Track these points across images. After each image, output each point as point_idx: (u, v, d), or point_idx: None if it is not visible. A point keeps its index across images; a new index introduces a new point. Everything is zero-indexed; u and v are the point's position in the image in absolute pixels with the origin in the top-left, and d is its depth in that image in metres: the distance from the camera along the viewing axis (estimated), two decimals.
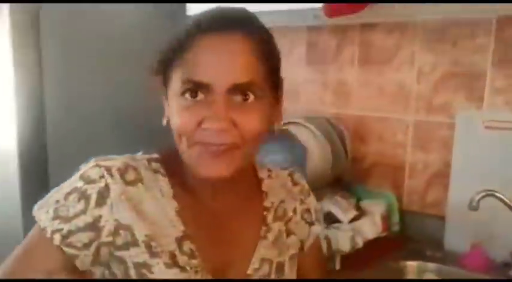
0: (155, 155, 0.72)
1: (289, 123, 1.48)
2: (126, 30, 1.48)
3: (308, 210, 0.83)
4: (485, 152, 1.31)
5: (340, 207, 1.37)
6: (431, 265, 1.31)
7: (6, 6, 1.26)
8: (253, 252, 0.74)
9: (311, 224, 0.83)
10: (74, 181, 0.67)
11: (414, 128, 1.46)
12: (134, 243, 0.66)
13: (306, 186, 0.85)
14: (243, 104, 0.63)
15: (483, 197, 1.17)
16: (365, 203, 1.45)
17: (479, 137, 1.32)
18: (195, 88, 0.63)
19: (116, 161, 0.68)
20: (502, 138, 1.29)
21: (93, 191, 0.65)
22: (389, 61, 1.48)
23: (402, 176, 1.50)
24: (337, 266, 1.25)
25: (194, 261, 0.68)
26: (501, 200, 1.19)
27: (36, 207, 0.68)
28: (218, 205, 0.73)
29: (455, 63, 1.37)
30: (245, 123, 0.63)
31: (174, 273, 0.67)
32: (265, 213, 0.77)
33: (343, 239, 1.25)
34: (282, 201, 0.80)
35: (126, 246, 0.66)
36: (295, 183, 0.83)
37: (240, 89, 0.63)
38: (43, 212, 0.66)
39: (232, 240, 0.74)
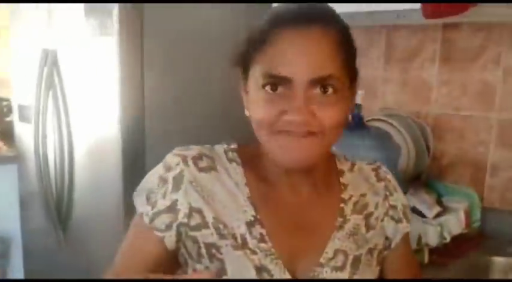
0: (233, 146, 0.76)
1: (372, 119, 1.52)
2: (218, 30, 1.56)
3: (394, 207, 0.81)
4: None
5: (424, 202, 1.40)
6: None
7: (115, 6, 1.35)
8: (327, 242, 0.74)
9: (398, 221, 0.81)
10: (159, 168, 0.73)
11: (498, 127, 1.48)
12: (205, 225, 0.70)
13: (393, 182, 0.83)
14: (322, 96, 0.65)
15: None
16: (446, 199, 1.48)
17: None
18: (275, 82, 0.64)
19: (193, 150, 0.73)
20: None
21: (170, 177, 0.71)
22: (474, 60, 1.50)
23: (483, 173, 1.52)
24: (426, 260, 1.29)
25: (264, 245, 0.70)
26: None
27: (134, 193, 0.75)
28: (292, 193, 0.74)
29: None
30: (324, 115, 0.65)
31: (241, 255, 0.69)
32: (342, 205, 0.77)
33: (432, 234, 1.29)
34: (363, 195, 0.79)
35: (198, 227, 0.71)
36: (379, 179, 0.82)
37: (319, 82, 0.64)
38: (138, 197, 0.73)
39: (306, 228, 0.74)
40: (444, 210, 1.43)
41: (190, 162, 0.72)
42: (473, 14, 1.34)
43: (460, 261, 1.31)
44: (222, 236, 0.70)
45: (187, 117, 1.51)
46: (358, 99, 1.23)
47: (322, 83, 0.64)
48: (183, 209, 0.70)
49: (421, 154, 1.48)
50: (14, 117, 1.90)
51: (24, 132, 1.82)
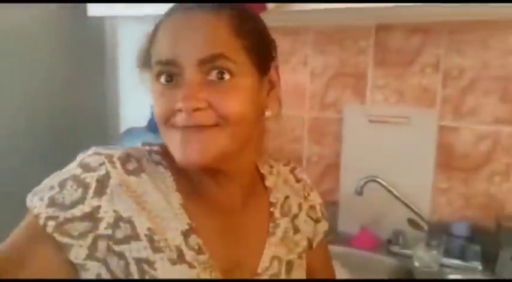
0: (156, 147, 0.68)
1: None
2: (28, 30, 1.44)
3: (313, 207, 0.81)
4: (369, 143, 1.48)
5: None
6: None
7: None
8: (262, 250, 0.71)
9: (317, 221, 0.81)
10: (72, 168, 0.61)
11: (309, 124, 1.60)
12: (135, 236, 0.60)
13: (308, 182, 0.83)
14: (219, 82, 0.59)
15: (366, 182, 1.32)
16: None
17: (364, 130, 1.49)
18: (166, 70, 0.60)
19: (117, 150, 0.64)
20: (383, 130, 1.46)
21: (92, 179, 0.60)
22: (285, 63, 1.60)
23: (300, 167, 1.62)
24: None
25: (202, 257, 0.64)
26: (382, 185, 1.35)
27: (30, 194, 0.61)
28: (223, 199, 0.68)
29: (342, 64, 1.52)
30: (221, 103, 0.58)
31: (179, 270, 0.62)
32: (271, 209, 0.75)
33: None
34: (287, 197, 0.78)
35: (126, 239, 0.60)
36: (297, 180, 0.81)
37: (210, 63, 0.58)
38: (37, 199, 0.60)
39: (241, 236, 0.70)
40: None
41: (117, 163, 0.62)
42: (280, 19, 1.42)
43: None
44: (156, 249, 0.61)
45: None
46: None
47: (214, 64, 0.58)
48: (107, 217, 0.59)
49: None
50: None
51: None
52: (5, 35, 1.43)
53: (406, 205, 1.38)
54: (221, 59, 0.58)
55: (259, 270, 0.70)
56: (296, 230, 0.77)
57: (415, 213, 1.38)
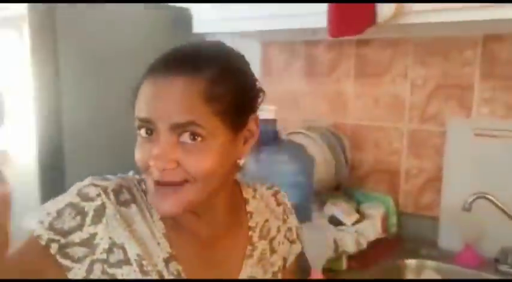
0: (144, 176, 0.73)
1: (292, 133, 1.57)
2: (135, 38, 1.55)
3: (290, 229, 0.86)
4: (475, 158, 1.43)
5: (343, 211, 1.46)
6: (429, 262, 1.42)
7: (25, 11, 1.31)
8: (239, 272, 0.77)
9: (292, 242, 0.86)
10: (70, 197, 0.68)
11: (408, 136, 1.58)
12: (127, 261, 0.68)
13: (289, 205, 0.88)
14: (191, 144, 0.63)
15: (475, 199, 1.28)
16: (365, 206, 1.55)
17: (469, 144, 1.44)
18: (143, 126, 0.65)
19: (111, 182, 0.70)
20: (490, 144, 1.41)
21: (90, 208, 0.67)
22: (384, 74, 1.59)
23: (398, 180, 1.61)
24: (344, 266, 1.35)
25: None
26: (492, 201, 1.30)
27: (27, 217, 0.70)
28: (203, 228, 0.74)
29: (445, 75, 1.49)
30: (190, 163, 0.64)
31: None
32: (250, 233, 0.80)
33: (349, 241, 1.35)
34: (267, 221, 0.83)
35: (119, 264, 0.68)
36: (278, 203, 0.86)
37: (180, 129, 0.63)
38: (36, 222, 0.67)
39: (219, 260, 0.76)
40: (362, 217, 1.51)
41: (111, 195, 0.69)
42: (382, 31, 1.43)
43: (376, 266, 1.38)
44: (145, 273, 0.68)
45: (106, 133, 1.49)
46: (272, 115, 1.27)
47: (183, 129, 0.63)
48: (102, 243, 0.67)
49: (339, 164, 1.55)
50: None
51: None
52: (116, 53, 1.53)
53: None
54: (192, 125, 0.63)
55: None
56: (273, 251, 0.82)
57: None
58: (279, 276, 0.83)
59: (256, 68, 2.05)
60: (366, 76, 1.64)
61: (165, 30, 1.67)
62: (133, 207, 0.70)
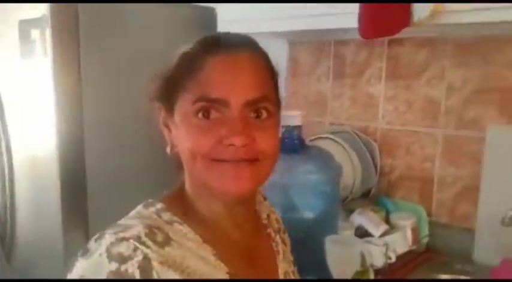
0: (159, 205, 0.67)
1: (318, 137, 1.51)
2: (158, 41, 1.52)
3: (277, 220, 0.86)
4: None
5: (371, 221, 1.39)
6: (462, 277, 1.33)
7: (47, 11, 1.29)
8: (277, 270, 0.76)
9: (284, 231, 0.87)
10: (101, 266, 0.57)
11: (443, 142, 1.48)
12: None
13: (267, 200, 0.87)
14: (257, 120, 0.64)
15: None
16: (394, 216, 1.47)
17: (510, 152, 1.34)
18: (209, 106, 0.62)
19: (138, 227, 0.61)
20: None
21: (133, 268, 0.57)
22: (419, 76, 1.50)
23: (431, 189, 1.52)
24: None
25: None
26: None
27: None
28: (239, 232, 0.71)
29: (485, 78, 1.38)
30: (263, 139, 0.63)
31: None
32: (268, 230, 0.80)
33: (377, 254, 1.27)
34: (268, 215, 0.82)
35: None
36: (264, 198, 0.85)
37: (255, 104, 0.63)
38: None
39: (259, 263, 0.74)
40: (392, 227, 1.43)
41: (148, 242, 0.59)
42: (415, 30, 1.34)
43: (406, 280, 1.31)
44: None
45: (126, 135, 1.46)
46: (298, 121, 1.21)
47: (257, 105, 0.63)
48: None
49: (367, 170, 1.47)
50: None
51: None
52: (141, 54, 1.50)
53: None
54: (265, 100, 0.64)
55: None
56: (284, 243, 0.83)
57: None
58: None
59: (282, 69, 1.98)
60: (399, 78, 1.55)
61: (189, 30, 1.62)
62: (174, 244, 0.62)
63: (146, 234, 0.60)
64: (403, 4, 1.05)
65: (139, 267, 0.57)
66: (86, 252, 0.59)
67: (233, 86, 0.62)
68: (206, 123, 0.63)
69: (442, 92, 1.46)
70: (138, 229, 0.60)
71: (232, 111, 0.62)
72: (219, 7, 1.58)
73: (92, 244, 0.60)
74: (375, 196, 1.58)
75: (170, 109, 0.67)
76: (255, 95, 0.63)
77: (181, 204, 0.68)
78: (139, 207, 0.68)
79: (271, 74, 0.67)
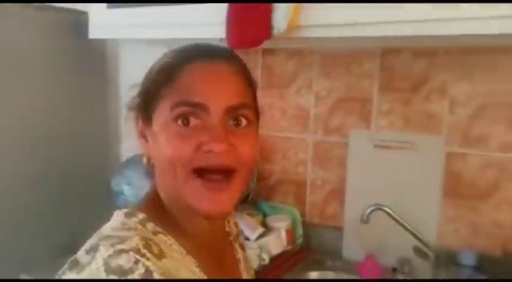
0: (140, 215, 0.65)
1: None
2: (28, 51, 1.44)
3: (236, 224, 0.86)
4: (375, 169, 1.46)
5: (248, 225, 1.43)
6: (330, 273, 1.43)
7: None
8: (242, 278, 0.77)
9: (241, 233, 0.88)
10: (103, 278, 0.55)
11: (314, 147, 1.58)
12: None
13: None
14: (237, 128, 0.63)
15: (372, 211, 1.30)
16: (271, 219, 1.53)
17: (369, 155, 1.47)
18: (189, 112, 0.62)
19: (133, 239, 0.59)
20: (388, 155, 1.44)
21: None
22: (289, 85, 1.59)
23: (304, 191, 1.61)
24: None
25: None
26: (387, 213, 1.33)
27: None
28: (214, 240, 0.71)
29: (348, 88, 1.51)
30: (242, 147, 0.62)
31: None
32: (231, 237, 0.80)
33: (251, 257, 1.32)
34: (228, 221, 0.81)
35: None
36: None
37: (235, 111, 0.63)
38: None
39: (229, 272, 0.75)
40: (268, 230, 1.48)
41: (147, 253, 0.58)
42: (284, 42, 1.41)
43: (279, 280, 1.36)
44: None
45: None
46: None
47: (237, 111, 0.63)
48: None
49: None
50: None
51: None
52: (4, 55, 1.42)
53: (412, 233, 1.36)
54: (245, 107, 0.64)
55: None
56: (242, 248, 0.83)
57: (421, 241, 1.36)
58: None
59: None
60: (273, 87, 1.62)
61: (58, 34, 1.56)
62: (167, 255, 0.61)
63: (144, 246, 0.58)
64: (264, 17, 1.11)
65: (141, 280, 0.55)
66: (75, 265, 0.57)
67: (213, 92, 0.62)
68: (185, 130, 0.62)
69: (311, 101, 1.56)
70: (136, 241, 0.58)
71: (212, 117, 0.61)
72: (92, 11, 1.53)
73: (82, 256, 0.57)
74: (255, 200, 1.63)
75: (147, 119, 0.66)
76: (236, 101, 0.63)
77: (160, 215, 0.66)
78: (120, 218, 0.64)
79: (249, 83, 0.67)
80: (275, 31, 1.12)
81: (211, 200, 0.62)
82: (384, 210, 1.33)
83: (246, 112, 0.64)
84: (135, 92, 0.69)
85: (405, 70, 1.43)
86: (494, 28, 0.97)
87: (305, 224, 1.59)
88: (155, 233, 0.64)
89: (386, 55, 1.45)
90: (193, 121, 0.62)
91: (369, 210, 1.31)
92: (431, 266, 1.34)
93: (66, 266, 0.58)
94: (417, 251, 1.36)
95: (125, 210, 0.66)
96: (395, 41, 1.31)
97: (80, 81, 1.67)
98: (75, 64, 1.64)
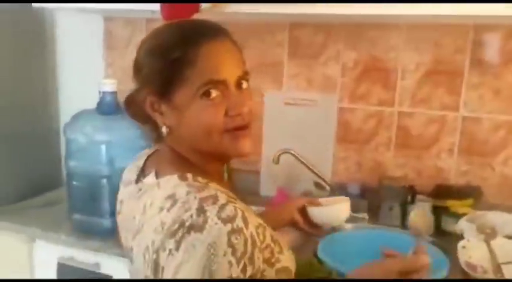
0: (188, 175, 0.75)
1: None
2: None
3: None
4: (286, 122, 1.79)
5: None
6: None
7: None
8: None
9: None
10: (220, 230, 0.66)
11: None
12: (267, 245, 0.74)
13: None
14: (241, 92, 0.78)
15: (280, 154, 1.63)
16: None
17: (281, 111, 1.80)
18: (214, 88, 0.74)
19: (218, 193, 0.71)
20: (295, 111, 1.78)
21: (240, 222, 0.67)
22: None
23: None
24: None
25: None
26: (294, 155, 1.67)
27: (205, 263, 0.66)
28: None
29: (261, 54, 1.80)
30: (250, 104, 0.78)
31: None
32: None
33: None
34: None
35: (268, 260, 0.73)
36: None
37: (242, 79, 0.78)
38: (225, 268, 0.66)
39: None
40: None
41: (233, 200, 0.72)
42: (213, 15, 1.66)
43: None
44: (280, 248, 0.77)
45: None
46: (114, 88, 1.44)
47: (243, 78, 0.78)
48: (257, 242, 0.70)
49: None
50: None
51: None
52: None
53: (313, 171, 1.71)
54: (247, 74, 0.80)
55: None
56: None
57: (320, 177, 1.72)
58: None
59: (99, 42, 2.14)
60: None
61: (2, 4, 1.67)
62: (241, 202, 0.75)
63: (227, 196, 0.71)
64: None
65: (243, 220, 0.68)
66: (191, 228, 0.67)
67: (228, 66, 0.76)
68: (211, 102, 0.75)
69: None
70: (220, 194, 0.71)
71: (230, 87, 0.76)
72: None
73: (195, 220, 0.67)
74: None
75: (163, 96, 0.77)
76: (242, 71, 0.78)
77: (193, 169, 0.78)
78: (181, 182, 0.74)
79: (241, 51, 0.81)
80: (202, 6, 1.37)
81: (243, 146, 0.78)
82: (291, 153, 1.67)
83: (248, 77, 0.80)
84: (145, 70, 0.79)
85: (308, 40, 1.75)
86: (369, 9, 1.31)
87: (229, 170, 1.88)
88: (207, 184, 0.75)
89: (293, 28, 1.76)
90: (214, 93, 0.74)
91: (278, 153, 1.64)
92: (328, 196, 1.71)
93: (180, 231, 0.67)
94: (317, 185, 1.72)
95: (171, 175, 0.76)
96: (300, 17, 1.62)
97: (21, 48, 1.81)
98: (18, 33, 1.77)
